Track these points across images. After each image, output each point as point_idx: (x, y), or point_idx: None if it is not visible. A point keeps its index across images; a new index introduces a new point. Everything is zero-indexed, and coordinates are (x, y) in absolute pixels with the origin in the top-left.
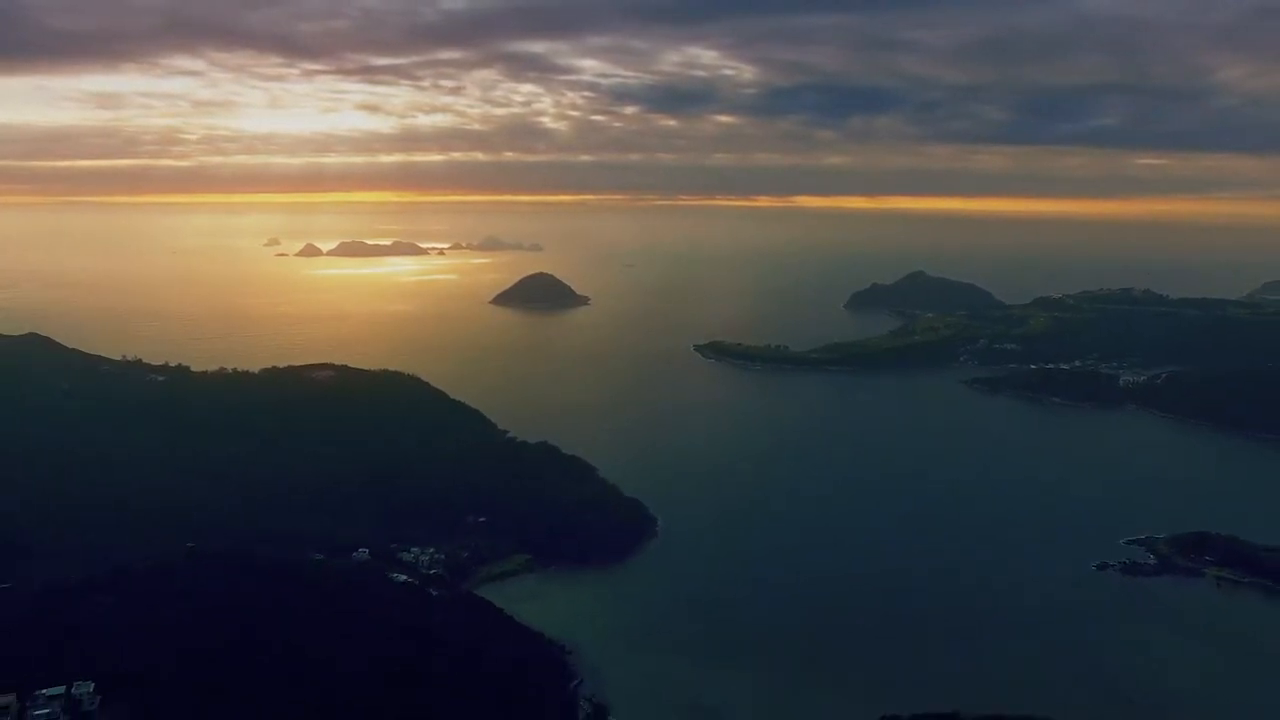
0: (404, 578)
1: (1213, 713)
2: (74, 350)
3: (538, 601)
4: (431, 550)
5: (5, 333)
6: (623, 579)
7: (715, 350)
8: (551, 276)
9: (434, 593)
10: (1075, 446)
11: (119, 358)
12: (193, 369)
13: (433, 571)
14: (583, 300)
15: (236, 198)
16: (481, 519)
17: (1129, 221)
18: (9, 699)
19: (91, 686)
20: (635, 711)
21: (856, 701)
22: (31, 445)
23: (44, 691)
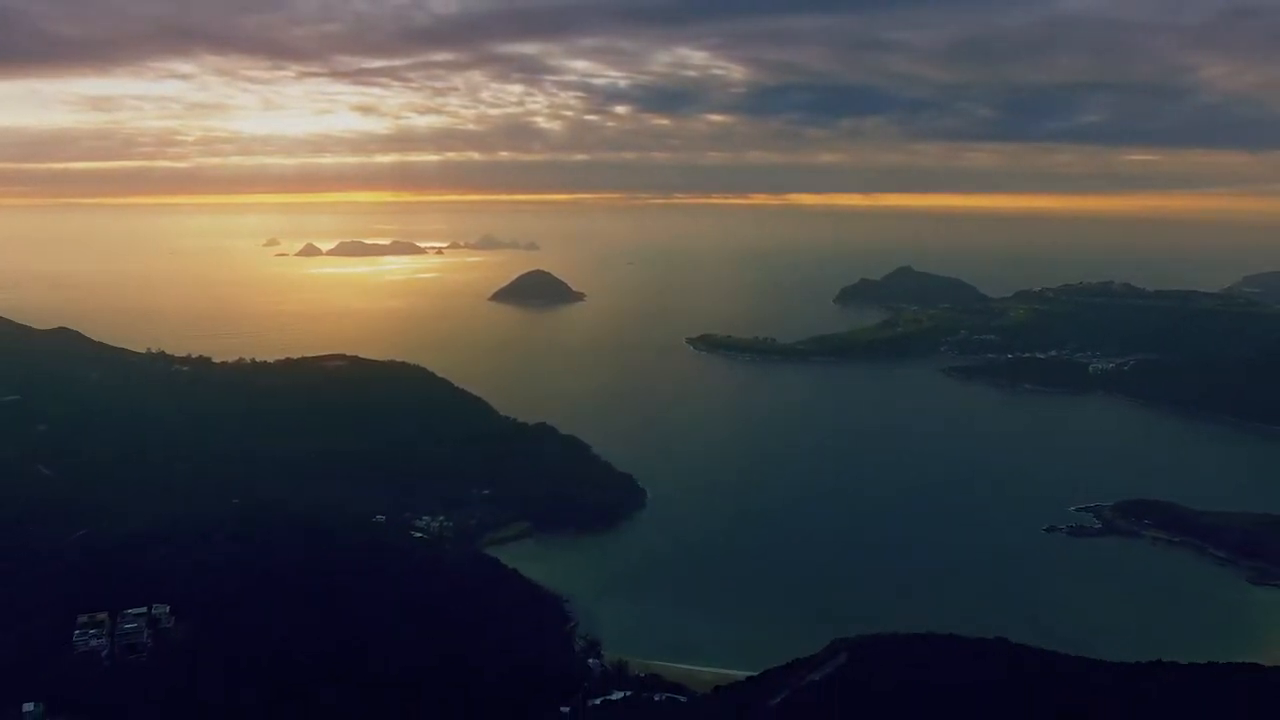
0: (421, 535)
1: (1114, 636)
2: (100, 343)
3: (538, 561)
4: (441, 518)
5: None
6: (614, 542)
7: (706, 343)
8: (548, 274)
9: (447, 548)
10: (1039, 427)
11: (143, 350)
12: (213, 360)
13: (444, 535)
14: (579, 297)
15: (234, 198)
16: (486, 491)
17: (1118, 217)
18: (103, 616)
19: (168, 609)
20: (624, 646)
21: (815, 634)
22: (77, 424)
23: (129, 611)
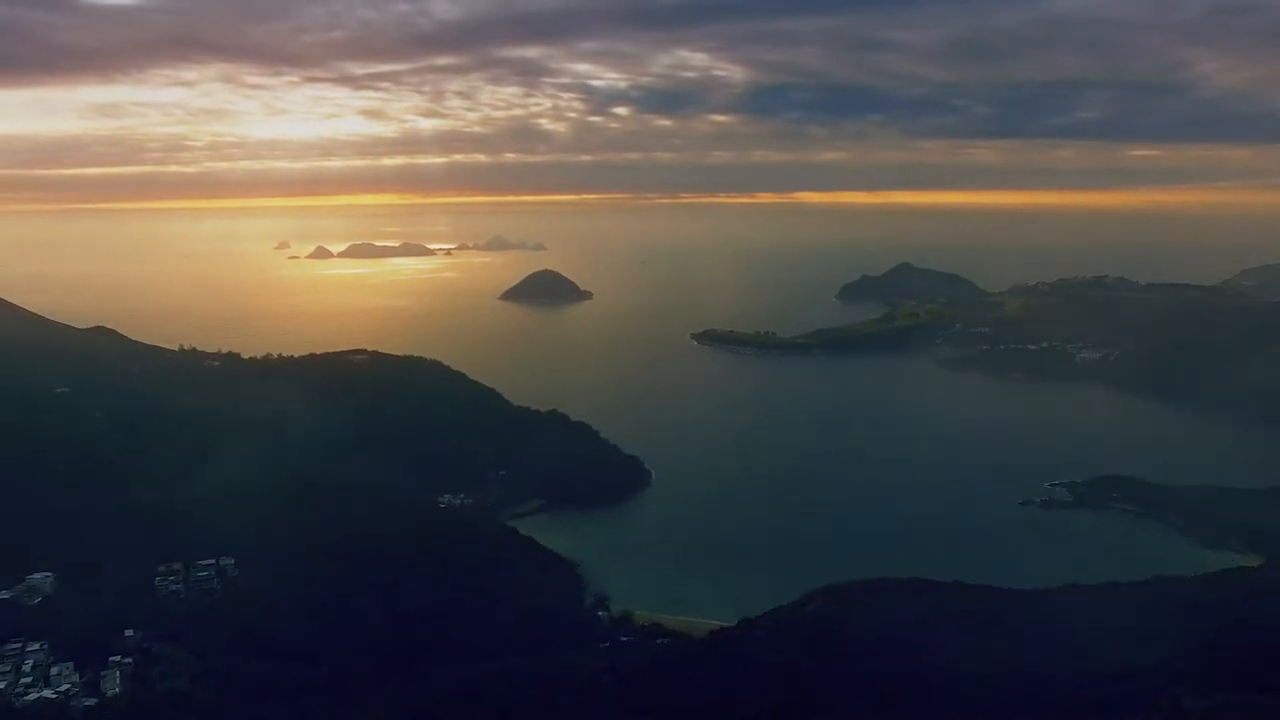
0: (445, 508)
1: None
2: (136, 341)
3: (552, 534)
4: (462, 495)
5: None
6: (621, 517)
7: (710, 338)
8: (556, 273)
9: (469, 519)
10: (1024, 413)
11: (176, 348)
12: (242, 356)
13: (465, 510)
14: (586, 295)
15: (243, 203)
16: (502, 472)
17: (1121, 212)
18: (178, 566)
19: (233, 560)
20: (630, 602)
21: (801, 591)
22: (128, 413)
23: (201, 562)
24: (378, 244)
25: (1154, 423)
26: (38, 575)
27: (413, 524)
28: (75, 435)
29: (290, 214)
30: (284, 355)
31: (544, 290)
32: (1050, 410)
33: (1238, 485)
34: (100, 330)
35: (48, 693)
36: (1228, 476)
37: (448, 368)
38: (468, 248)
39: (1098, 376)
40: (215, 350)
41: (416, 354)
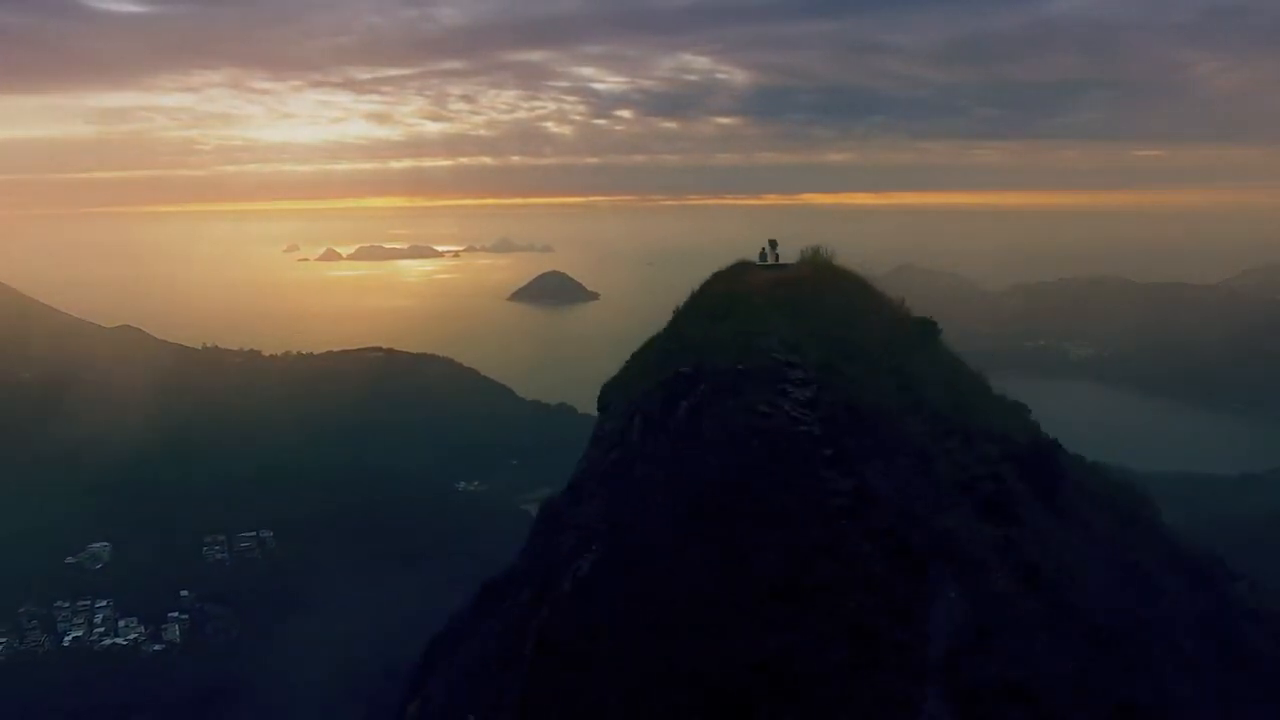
0: (462, 490)
1: None
2: (160, 339)
3: None
4: (476, 482)
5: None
6: None
7: None
8: (563, 274)
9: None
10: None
11: (199, 345)
12: (263, 353)
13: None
14: (593, 296)
15: (251, 205)
16: (514, 461)
17: (1124, 212)
18: (222, 537)
19: (272, 533)
20: None
21: None
22: (160, 404)
23: (242, 534)
24: (386, 246)
25: (1140, 416)
26: (97, 544)
27: (433, 506)
28: (118, 423)
29: (299, 217)
30: (302, 352)
31: (551, 291)
32: (1040, 406)
33: (1217, 473)
34: (127, 328)
35: (120, 640)
36: (1207, 465)
37: (459, 364)
38: (475, 249)
39: (1091, 374)
40: (236, 348)
41: (429, 352)
